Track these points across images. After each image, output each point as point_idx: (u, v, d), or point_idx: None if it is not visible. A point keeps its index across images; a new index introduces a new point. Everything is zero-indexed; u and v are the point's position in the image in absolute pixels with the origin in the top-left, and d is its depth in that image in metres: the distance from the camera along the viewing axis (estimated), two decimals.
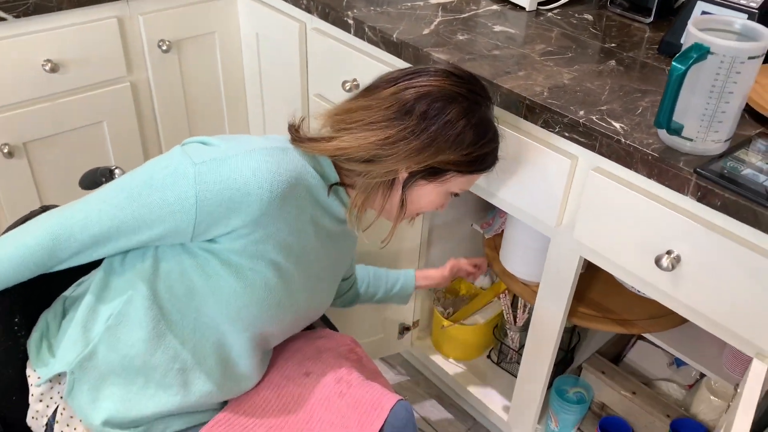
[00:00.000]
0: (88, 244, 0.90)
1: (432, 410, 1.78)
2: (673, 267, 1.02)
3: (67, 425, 0.95)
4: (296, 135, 0.97)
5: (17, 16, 1.42)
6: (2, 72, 1.44)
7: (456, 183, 1.00)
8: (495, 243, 1.59)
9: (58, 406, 0.96)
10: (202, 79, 1.80)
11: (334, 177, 0.99)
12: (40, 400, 0.97)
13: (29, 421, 1.01)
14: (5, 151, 1.51)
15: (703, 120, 0.95)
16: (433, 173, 0.97)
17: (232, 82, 1.86)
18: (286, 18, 1.60)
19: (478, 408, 1.66)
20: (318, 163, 0.97)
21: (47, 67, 1.49)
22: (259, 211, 0.88)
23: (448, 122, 0.92)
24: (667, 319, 1.35)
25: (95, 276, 0.98)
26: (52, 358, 0.97)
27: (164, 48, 1.66)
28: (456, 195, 1.05)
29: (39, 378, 0.97)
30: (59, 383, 0.97)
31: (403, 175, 0.96)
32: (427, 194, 1.00)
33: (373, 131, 0.93)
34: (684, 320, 1.34)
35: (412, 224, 1.18)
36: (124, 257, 0.97)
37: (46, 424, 0.98)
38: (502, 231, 1.58)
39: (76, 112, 1.59)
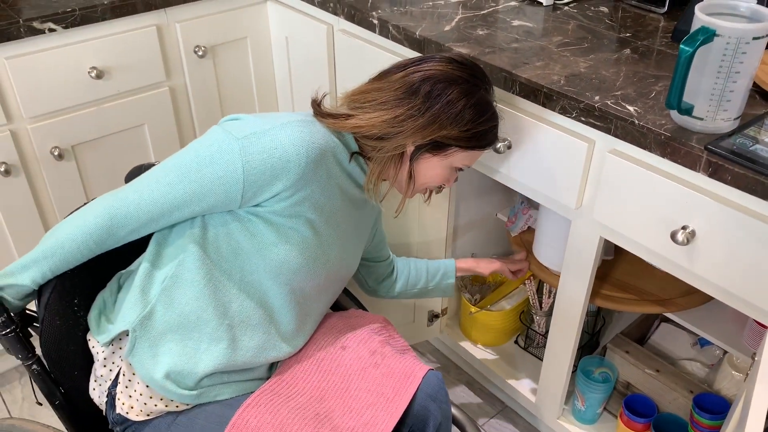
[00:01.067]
0: (144, 221, 1.00)
1: (462, 395, 1.84)
2: (689, 241, 1.07)
3: (126, 387, 1.04)
4: (318, 110, 1.09)
5: (66, 27, 1.52)
6: (52, 79, 1.55)
7: (458, 158, 1.10)
8: (521, 239, 1.65)
9: (120, 369, 1.05)
10: (236, 82, 1.89)
11: (355, 147, 1.10)
12: (104, 365, 1.07)
13: (91, 392, 1.10)
14: (56, 153, 1.61)
15: (712, 99, 1.01)
16: (437, 147, 1.08)
17: (264, 84, 1.95)
18: (314, 21, 1.69)
19: (507, 391, 1.72)
20: (340, 135, 1.08)
21: (93, 74, 1.59)
22: (297, 175, 0.99)
23: (450, 101, 1.04)
24: (688, 298, 1.39)
25: (148, 248, 1.08)
26: (112, 325, 1.07)
27: (200, 53, 1.75)
28: (460, 170, 1.15)
29: (100, 343, 1.06)
30: (120, 348, 1.07)
31: (410, 148, 1.08)
32: (433, 167, 1.10)
33: (384, 110, 1.05)
34: (705, 300, 1.38)
35: (428, 203, 1.28)
36: (174, 227, 1.07)
37: (108, 390, 1.06)
38: (528, 227, 1.64)
39: (120, 115, 1.70)
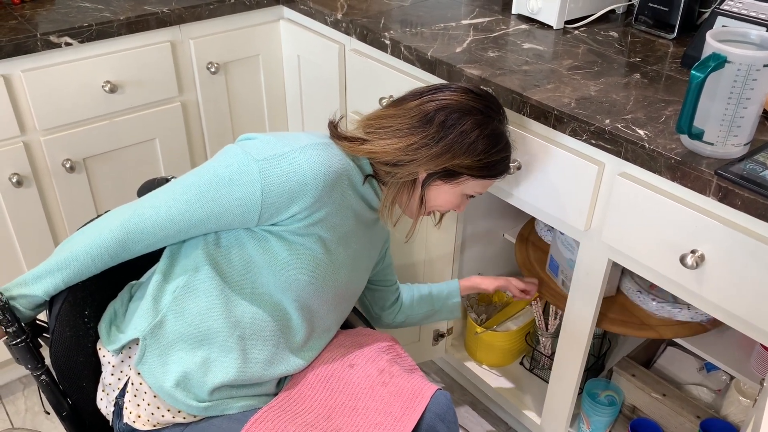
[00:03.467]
0: (160, 237, 1.01)
1: (466, 416, 1.83)
2: (698, 265, 1.08)
3: (135, 396, 1.04)
4: (334, 132, 1.10)
5: (81, 42, 1.54)
6: (67, 93, 1.57)
7: (470, 186, 1.12)
8: (529, 260, 1.65)
9: (128, 379, 1.06)
10: (247, 99, 1.91)
11: (369, 169, 1.11)
12: (113, 374, 1.07)
13: (98, 402, 1.10)
14: (67, 166, 1.63)
15: (723, 125, 1.02)
16: (449, 175, 1.09)
17: (275, 101, 1.97)
18: (326, 40, 1.71)
19: (512, 413, 1.71)
20: (356, 157, 1.10)
21: (107, 88, 1.61)
22: (314, 198, 1.01)
23: (464, 131, 1.05)
24: (693, 325, 1.39)
25: (161, 259, 1.09)
26: (122, 334, 1.07)
27: (212, 70, 1.77)
28: (471, 197, 1.16)
29: (110, 352, 1.07)
30: (129, 357, 1.07)
31: (422, 175, 1.09)
32: (444, 193, 1.12)
33: (399, 138, 1.06)
34: (711, 326, 1.38)
35: (439, 227, 1.27)
36: (187, 239, 1.07)
37: (115, 399, 1.07)
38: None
39: (132, 129, 1.71)
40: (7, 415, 1.81)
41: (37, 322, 1.09)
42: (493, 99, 1.11)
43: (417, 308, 1.43)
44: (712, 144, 1.04)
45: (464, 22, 1.60)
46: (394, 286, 1.39)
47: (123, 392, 1.06)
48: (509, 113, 1.29)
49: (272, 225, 1.03)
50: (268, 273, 1.05)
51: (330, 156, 1.04)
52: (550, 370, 1.51)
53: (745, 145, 1.04)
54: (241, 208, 1.00)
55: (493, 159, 1.09)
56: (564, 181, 1.24)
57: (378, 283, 1.36)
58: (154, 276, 1.08)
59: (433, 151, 1.05)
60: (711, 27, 1.34)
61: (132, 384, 1.05)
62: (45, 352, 1.08)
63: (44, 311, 1.08)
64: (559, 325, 1.67)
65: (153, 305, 1.05)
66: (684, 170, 1.04)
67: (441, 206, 1.14)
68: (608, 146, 1.14)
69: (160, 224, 1.00)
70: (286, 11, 1.85)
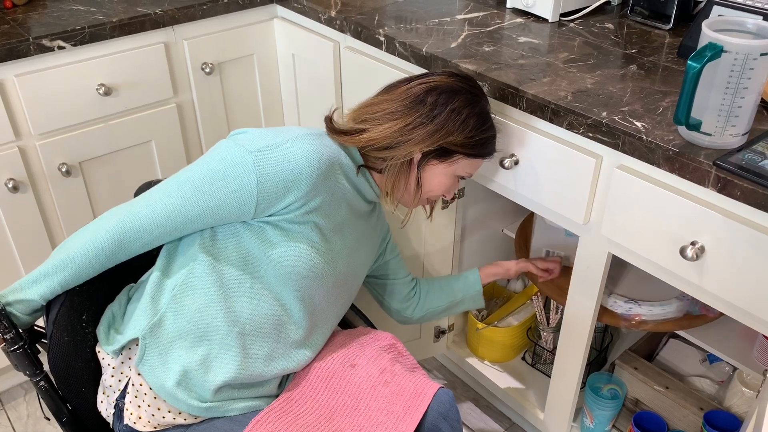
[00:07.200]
0: (157, 235, 1.01)
1: (469, 412, 1.82)
2: (698, 257, 1.07)
3: (135, 397, 1.04)
4: (331, 126, 1.12)
5: (75, 45, 1.53)
6: (61, 96, 1.56)
7: (462, 165, 1.15)
8: (527, 248, 1.65)
9: (129, 380, 1.05)
10: (242, 99, 1.90)
11: (360, 160, 1.13)
12: (113, 376, 1.07)
13: (99, 405, 1.09)
14: (63, 170, 1.62)
15: (720, 115, 1.01)
16: (443, 154, 1.12)
17: (270, 101, 1.96)
18: (320, 38, 1.70)
19: (514, 408, 1.71)
20: (346, 148, 1.12)
21: (101, 91, 1.60)
22: (308, 186, 1.02)
23: (455, 109, 1.09)
24: (698, 317, 1.38)
25: (159, 259, 1.09)
26: (121, 336, 1.07)
27: (207, 70, 1.76)
28: (462, 178, 1.20)
29: (110, 354, 1.06)
30: (129, 358, 1.07)
31: (418, 156, 1.12)
32: (438, 175, 1.14)
33: (395, 120, 1.09)
34: (713, 318, 1.37)
35: (431, 220, 1.32)
36: (184, 236, 1.07)
37: (116, 401, 1.06)
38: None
39: (127, 132, 1.70)
40: (9, 421, 1.81)
41: (35, 327, 1.08)
42: (475, 82, 1.16)
43: (437, 300, 1.42)
44: (710, 134, 1.03)
45: (459, 16, 1.59)
46: (407, 278, 1.39)
47: (123, 394, 1.05)
48: (505, 107, 1.29)
49: (268, 216, 1.04)
50: (266, 265, 1.05)
51: (322, 145, 1.05)
52: (552, 364, 1.51)
53: (743, 135, 1.03)
54: (238, 201, 1.00)
55: (483, 137, 1.13)
56: (562, 174, 1.24)
57: (387, 276, 1.36)
58: (152, 275, 1.07)
59: (428, 129, 1.09)
60: (707, 17, 1.33)
61: (132, 385, 1.04)
62: (43, 357, 1.07)
63: (42, 316, 1.07)
64: (561, 319, 1.66)
65: (152, 304, 1.05)
66: (682, 161, 1.04)
67: (435, 189, 1.17)
68: (605, 139, 1.13)
69: (157, 221, 1.00)
70: (280, 10, 1.84)
